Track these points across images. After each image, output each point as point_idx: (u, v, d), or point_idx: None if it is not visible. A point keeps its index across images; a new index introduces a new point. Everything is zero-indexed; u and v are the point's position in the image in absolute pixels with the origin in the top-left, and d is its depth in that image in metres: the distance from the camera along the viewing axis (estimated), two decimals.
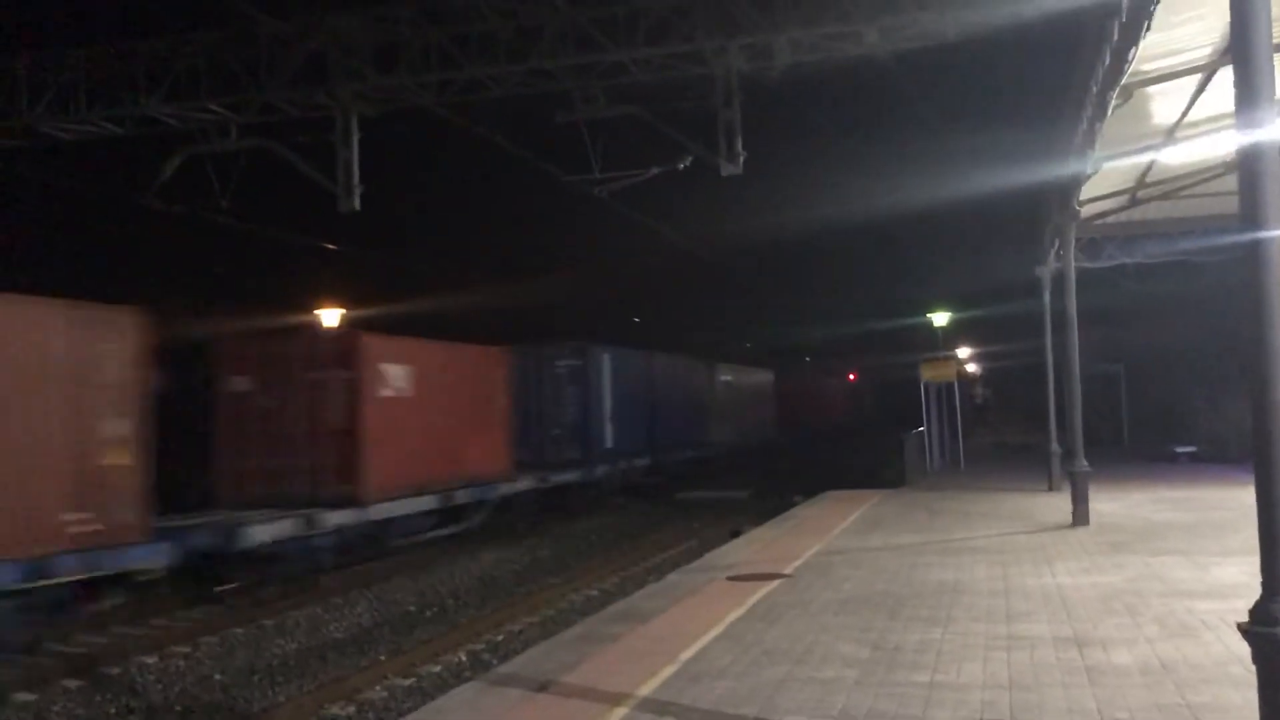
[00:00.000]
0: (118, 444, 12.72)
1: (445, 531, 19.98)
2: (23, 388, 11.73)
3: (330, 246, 26.27)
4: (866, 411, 78.68)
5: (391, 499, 17.89)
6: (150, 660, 12.27)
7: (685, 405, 35.95)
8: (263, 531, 15.09)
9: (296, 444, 17.21)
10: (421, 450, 18.96)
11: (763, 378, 49.84)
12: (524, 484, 23.04)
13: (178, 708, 10.57)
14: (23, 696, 10.82)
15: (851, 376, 79.68)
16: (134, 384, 13.05)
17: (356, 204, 15.96)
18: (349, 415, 17.33)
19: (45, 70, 16.16)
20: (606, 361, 28.77)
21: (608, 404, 28.60)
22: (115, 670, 11.85)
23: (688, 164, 15.55)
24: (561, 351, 27.45)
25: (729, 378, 42.64)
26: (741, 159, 14.50)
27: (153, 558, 13.12)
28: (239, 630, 13.73)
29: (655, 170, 15.86)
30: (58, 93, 16.15)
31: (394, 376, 18.42)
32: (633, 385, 30.62)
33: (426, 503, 19.04)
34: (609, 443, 28.44)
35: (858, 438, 56.90)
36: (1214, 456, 27.04)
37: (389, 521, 18.07)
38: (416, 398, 18.88)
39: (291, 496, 16.73)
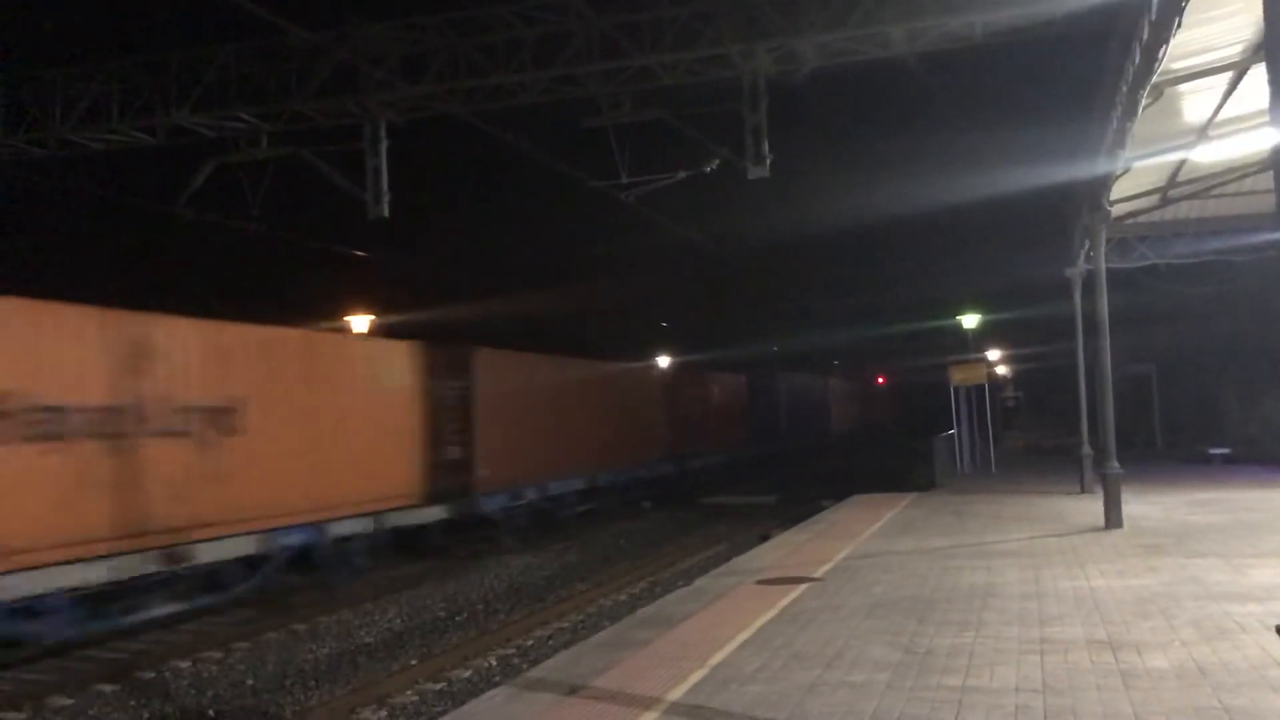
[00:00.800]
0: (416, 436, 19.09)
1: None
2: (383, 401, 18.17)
3: (360, 254, 26.41)
4: (896, 415, 78.38)
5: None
6: (184, 665, 12.38)
7: (808, 406, 52.20)
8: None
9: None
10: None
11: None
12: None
13: (211, 712, 10.64)
14: (59, 700, 10.95)
15: (880, 380, 79.39)
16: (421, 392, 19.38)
17: (385, 211, 16.07)
18: None
19: (78, 81, 16.37)
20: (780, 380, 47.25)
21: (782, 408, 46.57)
22: (150, 675, 11.96)
23: (714, 167, 15.55)
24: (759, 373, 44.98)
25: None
26: (768, 161, 14.46)
27: (435, 515, 19.24)
28: (271, 635, 13.84)
29: (682, 174, 15.86)
30: (90, 103, 16.34)
31: None
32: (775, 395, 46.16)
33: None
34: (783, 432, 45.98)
35: (887, 441, 56.80)
36: (1248, 458, 26.76)
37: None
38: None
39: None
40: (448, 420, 20.17)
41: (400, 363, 19.19)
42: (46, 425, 12.09)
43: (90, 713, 10.63)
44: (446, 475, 19.79)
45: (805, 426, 50.66)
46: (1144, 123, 11.91)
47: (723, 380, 40.81)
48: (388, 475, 18.03)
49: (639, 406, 30.84)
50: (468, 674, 11.78)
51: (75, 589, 12.20)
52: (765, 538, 18.79)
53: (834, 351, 70.79)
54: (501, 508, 21.53)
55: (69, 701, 10.94)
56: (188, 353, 14.21)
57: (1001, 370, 47.94)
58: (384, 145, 16.04)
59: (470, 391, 20.86)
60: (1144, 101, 10.80)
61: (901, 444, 44.50)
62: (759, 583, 12.08)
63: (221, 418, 14.57)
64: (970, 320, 32.82)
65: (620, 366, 31.43)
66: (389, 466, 18.16)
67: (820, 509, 21.75)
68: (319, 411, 16.52)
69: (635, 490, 29.10)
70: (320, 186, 17.16)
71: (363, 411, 17.54)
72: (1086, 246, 18.57)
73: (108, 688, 11.44)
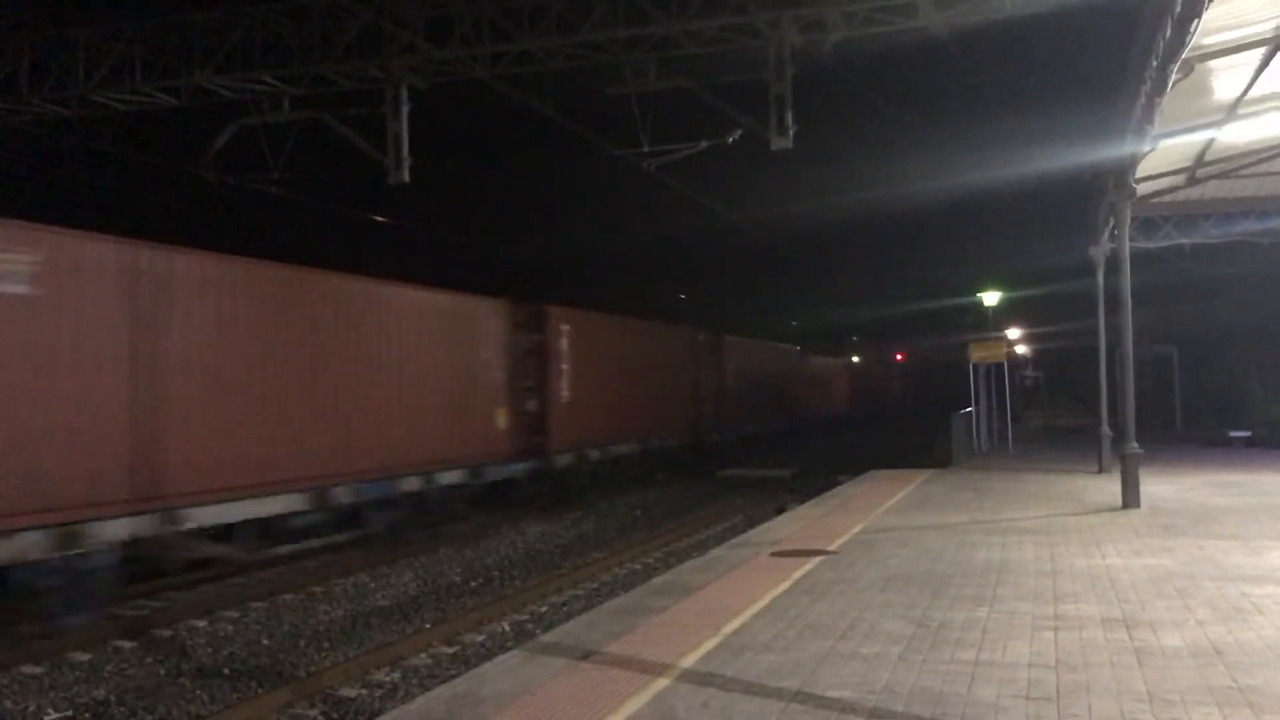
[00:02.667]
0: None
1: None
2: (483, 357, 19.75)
3: (379, 219, 26.41)
4: (915, 391, 78.30)
5: None
6: (200, 624, 12.49)
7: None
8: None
9: None
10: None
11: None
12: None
13: (226, 670, 10.74)
14: (78, 656, 11.06)
15: (899, 357, 79.22)
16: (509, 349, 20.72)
17: (406, 176, 16.02)
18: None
19: (101, 42, 16.34)
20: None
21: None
22: (167, 633, 12.07)
23: (737, 137, 15.45)
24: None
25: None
26: (792, 132, 14.34)
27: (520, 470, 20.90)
28: (287, 596, 13.95)
29: (705, 144, 15.76)
30: (113, 63, 16.33)
31: None
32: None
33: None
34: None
35: (905, 417, 56.78)
36: (1269, 441, 26.61)
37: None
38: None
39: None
40: (525, 375, 21.63)
41: (497, 320, 20.80)
42: None
43: (108, 669, 10.74)
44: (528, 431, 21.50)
45: (828, 401, 51.53)
46: (1173, 100, 11.77)
47: (777, 351, 42.93)
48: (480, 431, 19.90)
49: (688, 372, 32.00)
50: (481, 638, 11.84)
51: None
52: (781, 511, 18.81)
53: (854, 328, 70.67)
54: (570, 464, 23.02)
55: (87, 657, 11.05)
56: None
57: (1021, 349, 47.67)
58: (405, 110, 15.98)
59: (544, 347, 22.07)
60: (1174, 77, 10.67)
61: (920, 421, 44.51)
62: (774, 555, 12.08)
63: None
64: (991, 298, 32.66)
65: (675, 330, 32.32)
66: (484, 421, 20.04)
67: (836, 484, 21.75)
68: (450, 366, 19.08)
69: (678, 456, 30.14)
70: (342, 150, 17.13)
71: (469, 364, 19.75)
72: (1111, 225, 18.42)
73: (126, 644, 11.56)
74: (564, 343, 22.79)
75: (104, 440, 12.33)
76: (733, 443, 35.02)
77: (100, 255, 12.55)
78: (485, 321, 20.50)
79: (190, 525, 13.43)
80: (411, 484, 17.68)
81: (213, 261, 14.29)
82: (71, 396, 11.98)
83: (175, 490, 13.21)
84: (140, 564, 13.15)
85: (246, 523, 14.39)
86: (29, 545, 11.32)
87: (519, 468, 21.10)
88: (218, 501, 13.80)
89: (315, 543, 15.89)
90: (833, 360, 56.82)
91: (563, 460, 22.58)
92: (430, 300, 19.08)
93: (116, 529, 12.34)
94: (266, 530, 14.89)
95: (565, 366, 22.68)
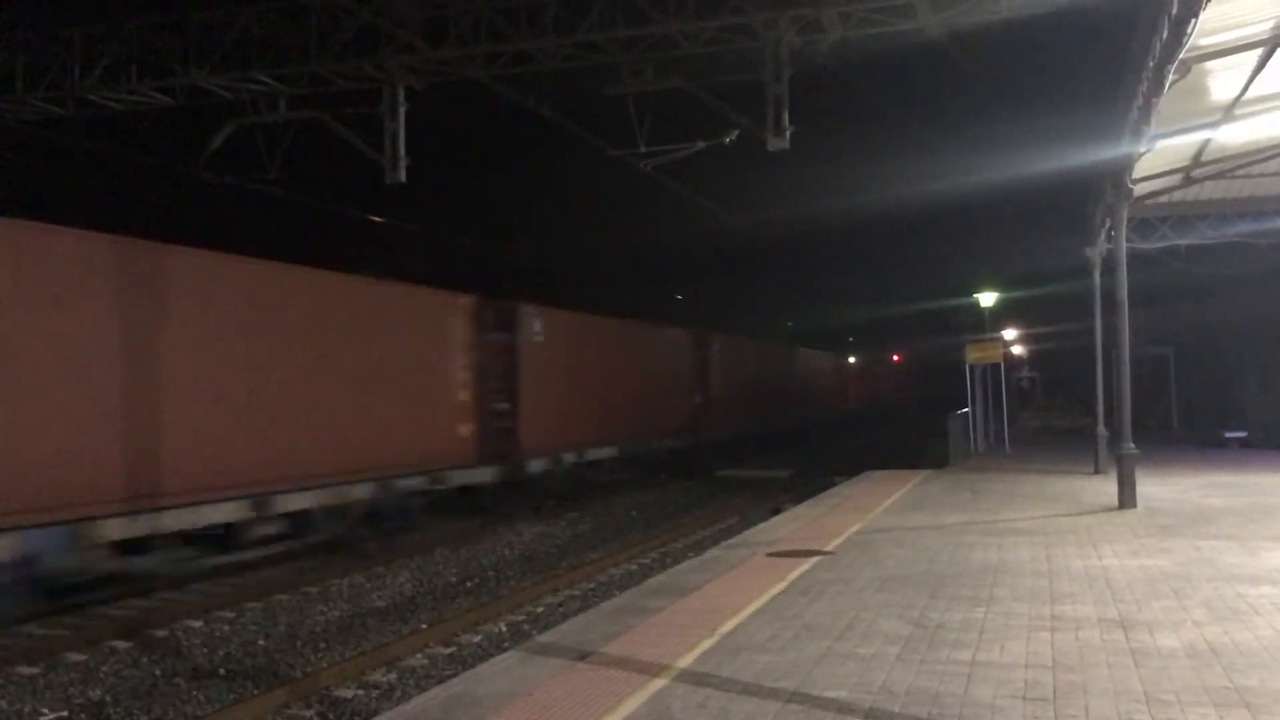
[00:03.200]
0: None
1: None
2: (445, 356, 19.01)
3: (376, 219, 26.38)
4: (911, 393, 78.31)
5: None
6: (196, 624, 12.47)
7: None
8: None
9: None
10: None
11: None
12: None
13: (222, 670, 10.71)
14: (73, 656, 11.04)
15: (896, 358, 79.23)
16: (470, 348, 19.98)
17: (403, 176, 15.99)
18: None
19: (97, 41, 16.29)
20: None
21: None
22: (162, 633, 12.05)
23: (734, 138, 15.43)
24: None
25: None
26: (789, 134, 14.33)
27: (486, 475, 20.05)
28: (282, 596, 13.93)
29: (701, 144, 15.75)
30: (109, 63, 16.29)
31: None
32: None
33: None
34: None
35: (901, 418, 56.81)
36: (1265, 442, 26.62)
37: None
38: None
39: None
40: (495, 377, 20.69)
41: (462, 317, 19.84)
42: None
43: (103, 669, 10.71)
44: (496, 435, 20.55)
45: (821, 402, 51.36)
46: (1169, 101, 11.78)
47: (772, 351, 42.75)
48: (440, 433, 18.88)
49: (672, 373, 31.13)
50: (478, 639, 11.82)
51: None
52: (777, 511, 18.80)
53: (849, 329, 70.67)
54: (543, 470, 22.10)
55: (82, 658, 11.02)
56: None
57: (1017, 350, 47.71)
58: (403, 110, 15.96)
59: (515, 347, 21.14)
60: (1171, 78, 10.68)
61: (916, 422, 44.51)
62: (770, 555, 12.08)
63: None
64: (987, 299, 32.67)
65: (658, 330, 31.25)
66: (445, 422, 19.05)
67: (833, 484, 21.75)
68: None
69: (661, 458, 29.37)
70: (339, 150, 17.10)
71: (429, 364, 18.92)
72: (1107, 226, 18.43)
73: (121, 644, 11.54)
74: (537, 342, 21.94)
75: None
76: (725, 444, 34.27)
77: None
78: (449, 318, 19.59)
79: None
80: (364, 490, 16.70)
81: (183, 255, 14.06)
82: None
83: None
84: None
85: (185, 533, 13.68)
86: None
87: (485, 472, 20.12)
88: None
89: (251, 555, 15.04)
90: (828, 361, 56.80)
91: (535, 465, 21.75)
92: (387, 292, 18.21)
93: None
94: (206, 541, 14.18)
95: (538, 367, 21.80)
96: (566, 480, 23.43)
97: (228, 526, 14.34)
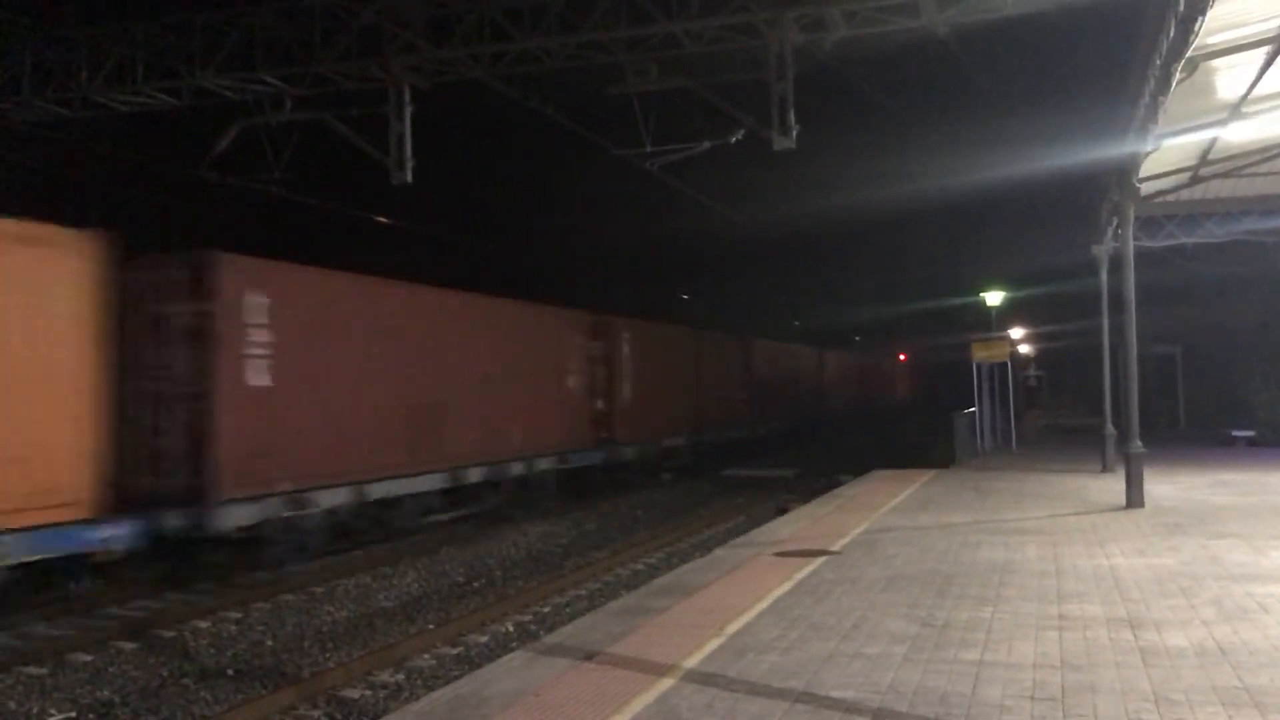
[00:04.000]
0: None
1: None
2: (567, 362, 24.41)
3: (382, 220, 26.38)
4: (918, 391, 78.29)
5: None
6: (203, 624, 12.48)
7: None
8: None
9: None
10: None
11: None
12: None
13: (229, 671, 10.73)
14: (81, 657, 11.06)
15: (902, 357, 79.16)
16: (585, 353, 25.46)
17: (408, 177, 16.00)
18: None
19: (103, 42, 16.33)
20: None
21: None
22: (169, 633, 12.06)
23: (740, 137, 15.43)
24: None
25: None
26: (794, 132, 14.32)
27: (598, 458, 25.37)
28: (289, 597, 13.94)
29: (707, 144, 15.74)
30: (115, 64, 16.33)
31: None
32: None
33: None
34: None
35: (908, 417, 56.79)
36: (1273, 441, 26.56)
37: None
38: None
39: None
40: (597, 378, 25.45)
41: (578, 330, 24.75)
42: None
43: (110, 670, 10.73)
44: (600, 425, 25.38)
45: (838, 399, 52.49)
46: (1176, 99, 11.75)
47: (796, 352, 46.01)
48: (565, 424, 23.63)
49: (724, 374, 35.58)
50: (485, 639, 11.82)
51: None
52: (783, 511, 18.77)
53: (857, 328, 70.61)
54: (635, 454, 26.71)
55: (89, 658, 11.04)
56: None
57: (1025, 349, 47.61)
58: (408, 111, 15.97)
59: (612, 353, 25.93)
60: (1177, 76, 10.65)
61: (923, 420, 44.52)
62: (777, 555, 12.07)
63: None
64: (994, 298, 32.61)
65: (713, 335, 35.46)
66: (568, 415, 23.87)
67: (839, 484, 21.72)
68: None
69: (720, 449, 33.37)
70: (345, 151, 17.10)
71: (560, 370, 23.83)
72: (1114, 224, 18.39)
73: (128, 645, 11.55)
74: (625, 349, 26.39)
75: None
76: (771, 438, 38.61)
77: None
78: (570, 331, 24.36)
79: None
80: (519, 468, 21.42)
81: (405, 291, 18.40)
82: None
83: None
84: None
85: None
86: None
87: (597, 456, 24.93)
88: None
89: (446, 516, 19.16)
90: (836, 359, 56.81)
91: (629, 451, 26.38)
92: (533, 312, 22.91)
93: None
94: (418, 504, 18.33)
95: (626, 370, 26.36)
96: (651, 463, 27.94)
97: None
